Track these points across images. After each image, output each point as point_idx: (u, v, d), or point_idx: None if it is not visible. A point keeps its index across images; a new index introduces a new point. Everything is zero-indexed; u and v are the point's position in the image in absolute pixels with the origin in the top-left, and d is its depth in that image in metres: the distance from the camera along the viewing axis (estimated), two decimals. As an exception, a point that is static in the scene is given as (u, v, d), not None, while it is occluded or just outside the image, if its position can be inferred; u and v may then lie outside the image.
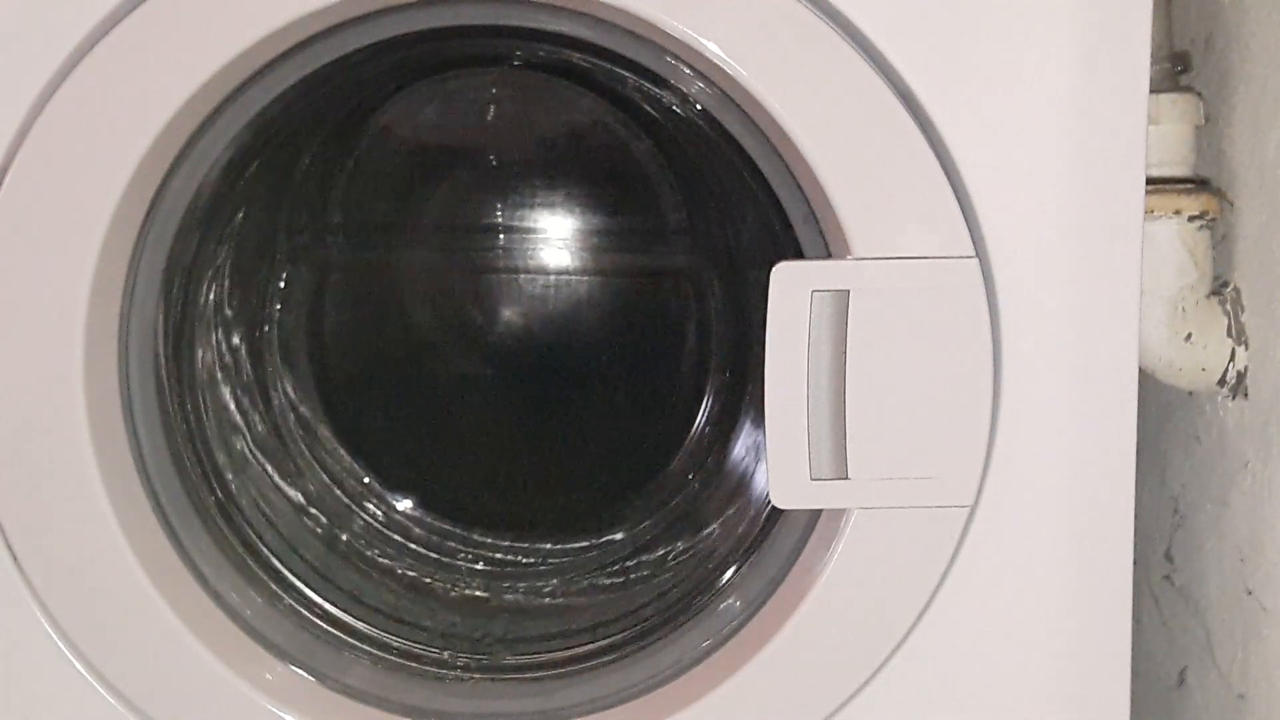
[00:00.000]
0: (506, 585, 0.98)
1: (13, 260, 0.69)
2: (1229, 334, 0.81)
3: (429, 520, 1.02)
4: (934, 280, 0.68)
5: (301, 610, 0.84)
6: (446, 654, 0.86)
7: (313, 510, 0.96)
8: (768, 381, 0.70)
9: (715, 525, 0.93)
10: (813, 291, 0.69)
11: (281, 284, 1.01)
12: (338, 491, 1.00)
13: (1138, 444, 0.71)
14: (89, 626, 0.73)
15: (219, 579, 0.78)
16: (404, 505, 1.02)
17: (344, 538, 0.97)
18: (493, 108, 1.02)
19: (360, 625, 0.86)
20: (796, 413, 0.70)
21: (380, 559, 0.97)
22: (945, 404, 0.70)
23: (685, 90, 0.74)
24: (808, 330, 0.69)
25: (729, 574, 0.83)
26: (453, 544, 1.01)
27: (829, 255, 0.72)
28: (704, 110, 0.75)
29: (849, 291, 0.69)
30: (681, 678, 0.77)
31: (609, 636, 0.86)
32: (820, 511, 0.74)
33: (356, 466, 1.02)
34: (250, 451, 0.93)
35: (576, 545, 1.01)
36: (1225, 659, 0.84)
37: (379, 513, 1.01)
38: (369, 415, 1.04)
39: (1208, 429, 0.85)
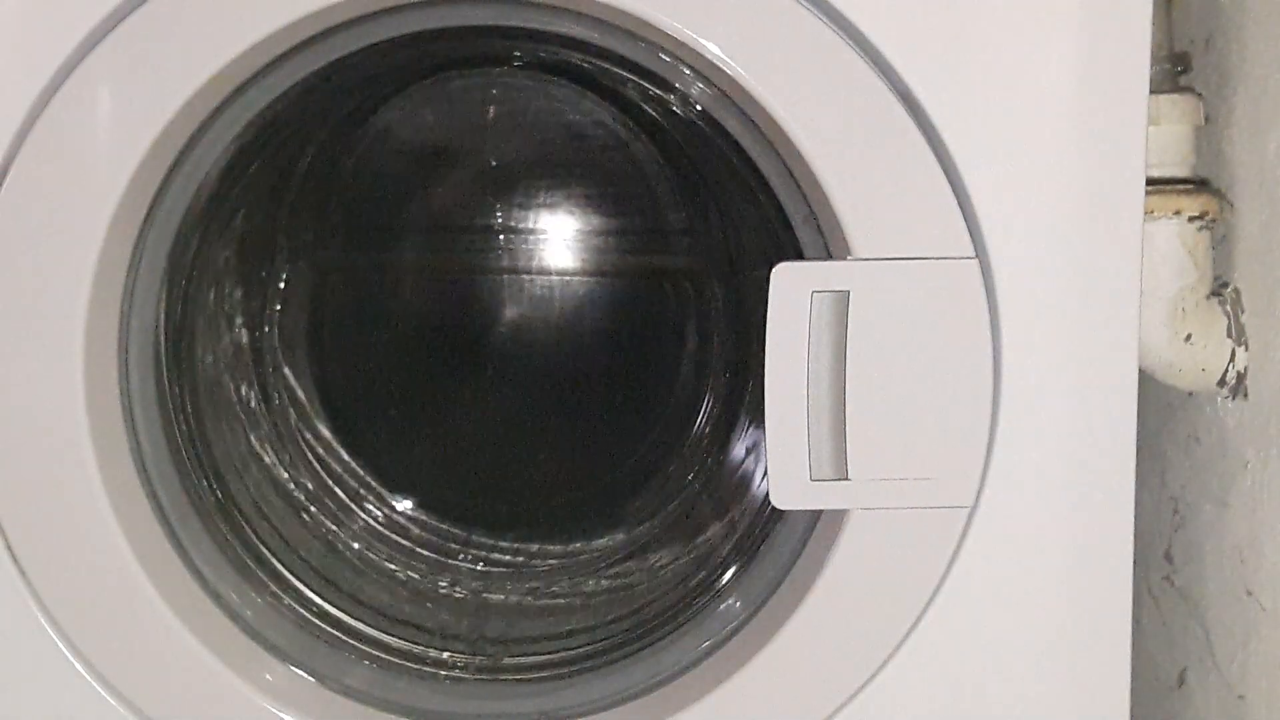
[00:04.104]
0: (506, 586, 0.98)
1: (13, 260, 0.69)
2: (1229, 334, 0.81)
3: (429, 520, 1.02)
4: (934, 280, 0.68)
5: (301, 610, 0.84)
6: (446, 654, 0.86)
7: (313, 510, 0.96)
8: (768, 382, 0.70)
9: (715, 526, 0.93)
10: (813, 292, 0.69)
11: (282, 284, 1.01)
12: (338, 491, 1.00)
13: (1138, 444, 0.71)
14: (89, 626, 0.73)
15: (219, 579, 0.78)
16: (404, 505, 1.02)
17: (344, 538, 0.97)
18: (493, 108, 1.02)
19: (360, 625, 0.86)
20: (796, 413, 0.70)
21: (380, 559, 0.97)
22: (945, 404, 0.69)
23: (685, 91, 0.74)
24: (808, 331, 0.69)
25: (729, 574, 0.83)
26: (453, 544, 1.01)
27: (829, 255, 0.72)
28: (704, 111, 0.75)
29: (849, 292, 0.69)
30: (681, 678, 0.77)
31: (609, 637, 0.86)
32: (820, 512, 0.74)
33: (356, 466, 1.02)
34: (250, 452, 0.93)
35: (576, 546, 1.01)
36: (1225, 659, 0.84)
37: (379, 513, 1.01)
38: (369, 415, 1.04)
39: (1208, 429, 0.85)
